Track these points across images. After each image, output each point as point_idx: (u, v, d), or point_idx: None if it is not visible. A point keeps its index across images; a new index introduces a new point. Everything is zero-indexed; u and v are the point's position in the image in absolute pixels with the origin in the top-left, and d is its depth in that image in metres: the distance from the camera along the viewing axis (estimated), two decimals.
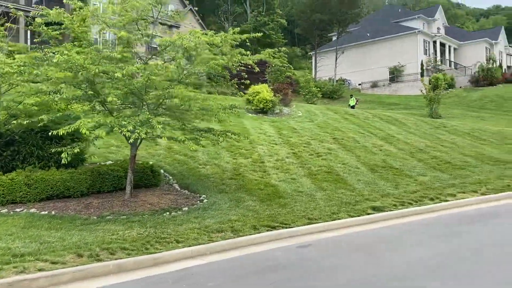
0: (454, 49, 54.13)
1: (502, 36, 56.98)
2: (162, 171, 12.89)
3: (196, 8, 40.23)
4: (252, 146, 15.82)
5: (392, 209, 9.75)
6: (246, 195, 10.75)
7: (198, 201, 10.06)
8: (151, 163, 11.63)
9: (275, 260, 6.55)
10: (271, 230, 7.80)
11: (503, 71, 51.01)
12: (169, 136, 8.21)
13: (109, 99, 7.75)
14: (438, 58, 50.74)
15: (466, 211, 9.82)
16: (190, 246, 6.71)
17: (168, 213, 8.93)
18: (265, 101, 22.14)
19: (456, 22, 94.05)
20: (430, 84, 42.70)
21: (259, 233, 7.60)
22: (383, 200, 10.46)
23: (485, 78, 45.28)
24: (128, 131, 7.74)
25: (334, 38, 53.51)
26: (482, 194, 11.39)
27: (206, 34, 9.20)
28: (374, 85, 50.50)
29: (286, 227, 8.07)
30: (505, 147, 18.20)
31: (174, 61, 9.10)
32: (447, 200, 10.66)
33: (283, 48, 27.92)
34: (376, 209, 9.68)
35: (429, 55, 49.78)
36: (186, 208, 9.29)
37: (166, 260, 6.25)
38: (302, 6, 51.25)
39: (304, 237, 7.69)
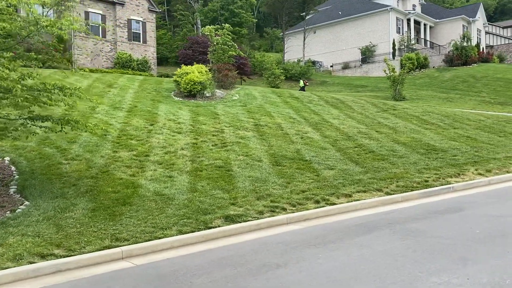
0: (430, 27, 51.63)
1: (481, 14, 54.41)
2: (13, 168, 10.63)
3: None
4: (148, 136, 13.52)
5: (250, 218, 7.52)
6: (86, 201, 8.50)
7: (8, 212, 7.80)
8: None
9: None
10: (34, 262, 5.54)
11: (481, 49, 48.63)
12: None
13: None
14: (412, 36, 48.27)
15: (343, 221, 7.57)
16: None
17: None
18: (192, 83, 19.69)
19: (445, 2, 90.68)
20: (401, 64, 40.39)
21: (9, 268, 5.34)
22: (252, 205, 8.22)
23: (459, 57, 42.97)
24: None
25: (308, 18, 50.64)
26: (387, 193, 9.18)
27: None
28: (346, 66, 48.06)
29: (66, 256, 5.81)
30: (450, 132, 16.05)
31: None
32: (334, 203, 8.43)
33: (227, 25, 25.31)
34: (229, 219, 7.43)
35: (403, 33, 47.28)
36: None
37: None
38: None
39: (73, 273, 5.40)
